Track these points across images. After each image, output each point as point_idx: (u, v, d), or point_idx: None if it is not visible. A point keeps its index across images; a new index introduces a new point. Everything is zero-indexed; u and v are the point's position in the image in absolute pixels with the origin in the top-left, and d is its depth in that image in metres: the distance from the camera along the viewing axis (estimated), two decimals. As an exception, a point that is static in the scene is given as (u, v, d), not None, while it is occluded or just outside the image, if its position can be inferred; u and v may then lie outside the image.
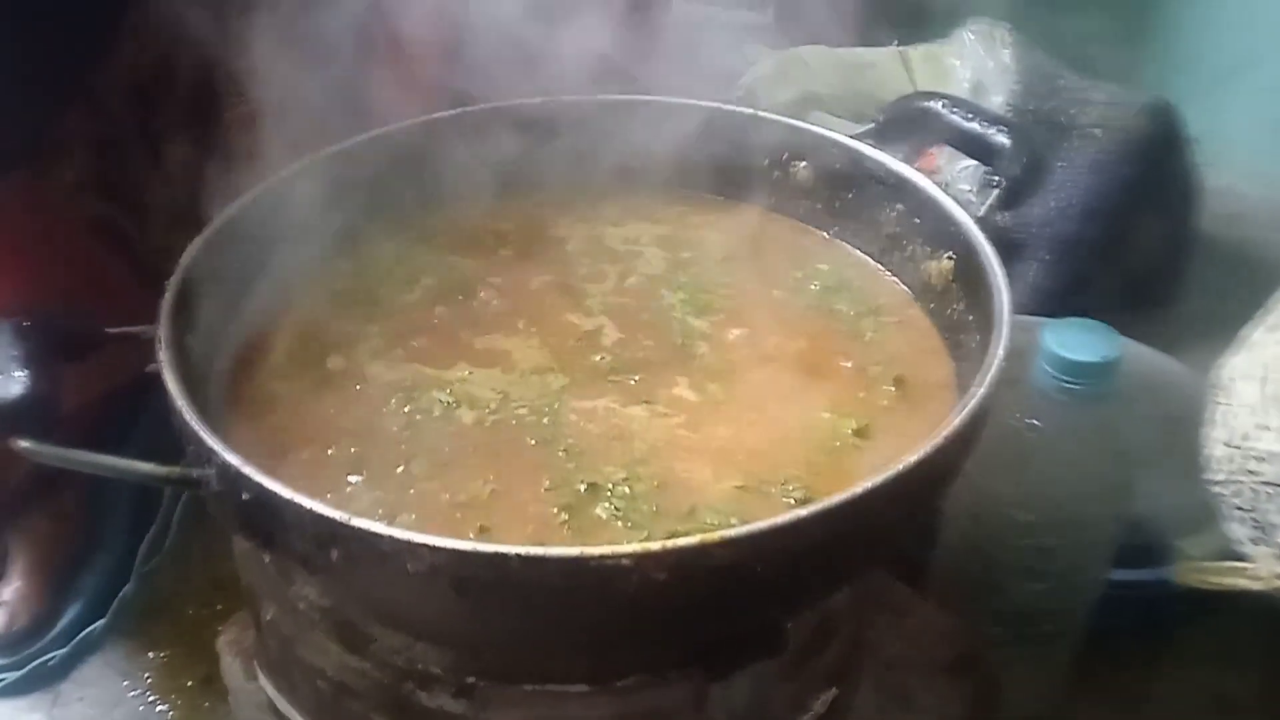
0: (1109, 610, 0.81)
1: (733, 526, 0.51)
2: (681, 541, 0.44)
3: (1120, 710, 0.88)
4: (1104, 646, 0.84)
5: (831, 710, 0.66)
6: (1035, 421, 0.75)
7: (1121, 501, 0.78)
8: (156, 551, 0.93)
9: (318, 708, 0.63)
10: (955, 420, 0.50)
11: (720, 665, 0.54)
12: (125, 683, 0.89)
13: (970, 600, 0.81)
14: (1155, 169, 1.18)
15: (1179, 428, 0.91)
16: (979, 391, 0.52)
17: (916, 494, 0.50)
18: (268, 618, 0.62)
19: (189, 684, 0.88)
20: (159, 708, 0.87)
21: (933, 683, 0.75)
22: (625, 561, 0.43)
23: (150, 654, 0.90)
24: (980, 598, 0.81)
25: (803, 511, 0.45)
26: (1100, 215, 1.14)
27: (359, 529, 0.45)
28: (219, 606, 0.92)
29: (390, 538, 0.44)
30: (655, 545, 0.43)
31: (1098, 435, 0.75)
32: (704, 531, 0.51)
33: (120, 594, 0.90)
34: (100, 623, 0.89)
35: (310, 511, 0.45)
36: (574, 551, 0.43)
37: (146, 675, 0.89)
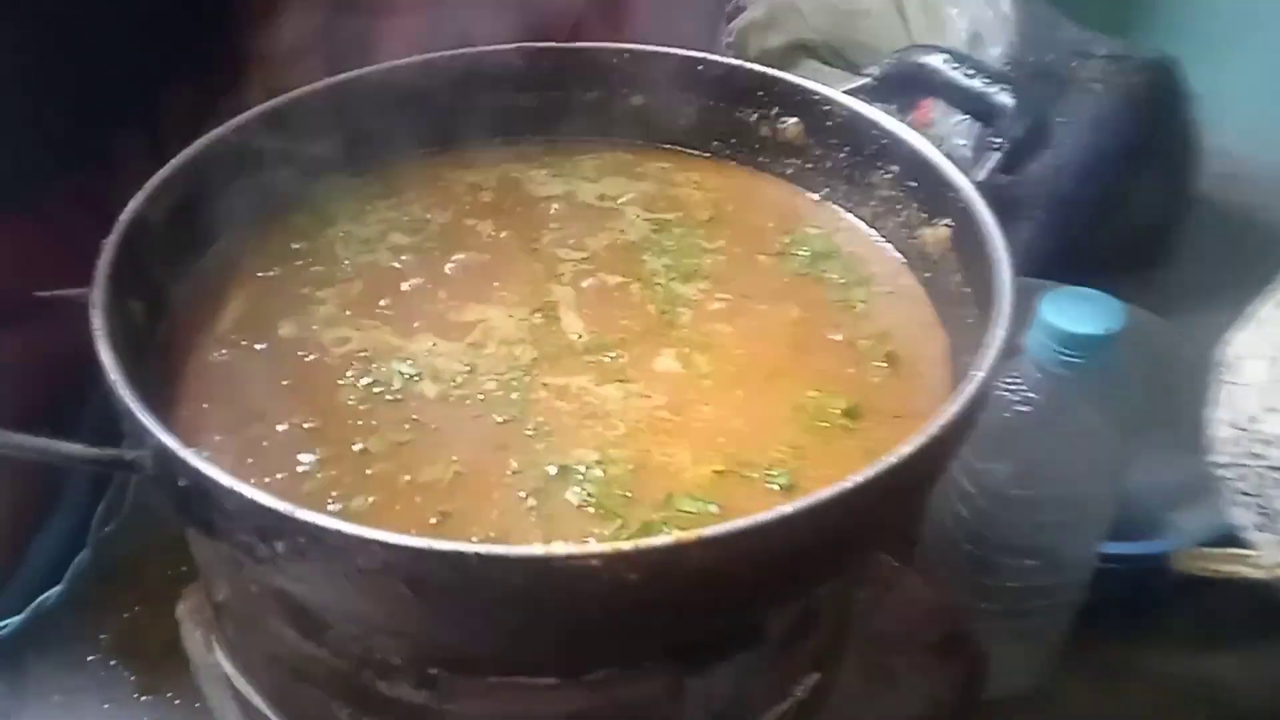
0: (1097, 583, 0.79)
1: (711, 515, 0.49)
2: (655, 541, 0.40)
3: (1104, 687, 0.86)
4: (1090, 621, 0.81)
5: (814, 694, 0.63)
6: (1031, 394, 0.72)
7: (1119, 477, 0.75)
8: (114, 515, 0.89)
9: (275, 691, 0.60)
10: (953, 408, 0.46)
11: (697, 659, 0.51)
12: (85, 646, 0.85)
13: (959, 576, 0.78)
14: (1156, 127, 1.15)
15: (1174, 395, 0.88)
16: (978, 375, 0.48)
17: (910, 485, 0.47)
18: (220, 598, 0.59)
19: (152, 648, 0.85)
20: (122, 672, 0.84)
21: (919, 661, 0.73)
22: (594, 563, 0.40)
23: (111, 617, 0.87)
24: (970, 573, 0.78)
25: (787, 508, 0.41)
26: (1098, 174, 1.11)
27: (304, 522, 0.41)
28: (183, 568, 0.88)
29: (338, 532, 0.40)
30: (627, 546, 0.40)
31: (1096, 410, 0.72)
32: (679, 520, 0.49)
33: (77, 559, 0.86)
34: (56, 589, 0.85)
35: (251, 502, 0.42)
36: (538, 551, 0.40)
37: (108, 639, 0.86)
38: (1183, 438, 0.84)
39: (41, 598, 0.85)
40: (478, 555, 0.40)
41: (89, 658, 0.84)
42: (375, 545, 0.40)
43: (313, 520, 0.41)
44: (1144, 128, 1.13)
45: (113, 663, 0.84)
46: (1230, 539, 0.78)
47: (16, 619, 0.84)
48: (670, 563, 0.41)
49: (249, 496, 0.42)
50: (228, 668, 0.64)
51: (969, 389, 0.47)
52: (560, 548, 0.40)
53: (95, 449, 0.46)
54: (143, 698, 0.82)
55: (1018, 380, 0.71)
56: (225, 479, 0.42)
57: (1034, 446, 0.72)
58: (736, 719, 0.57)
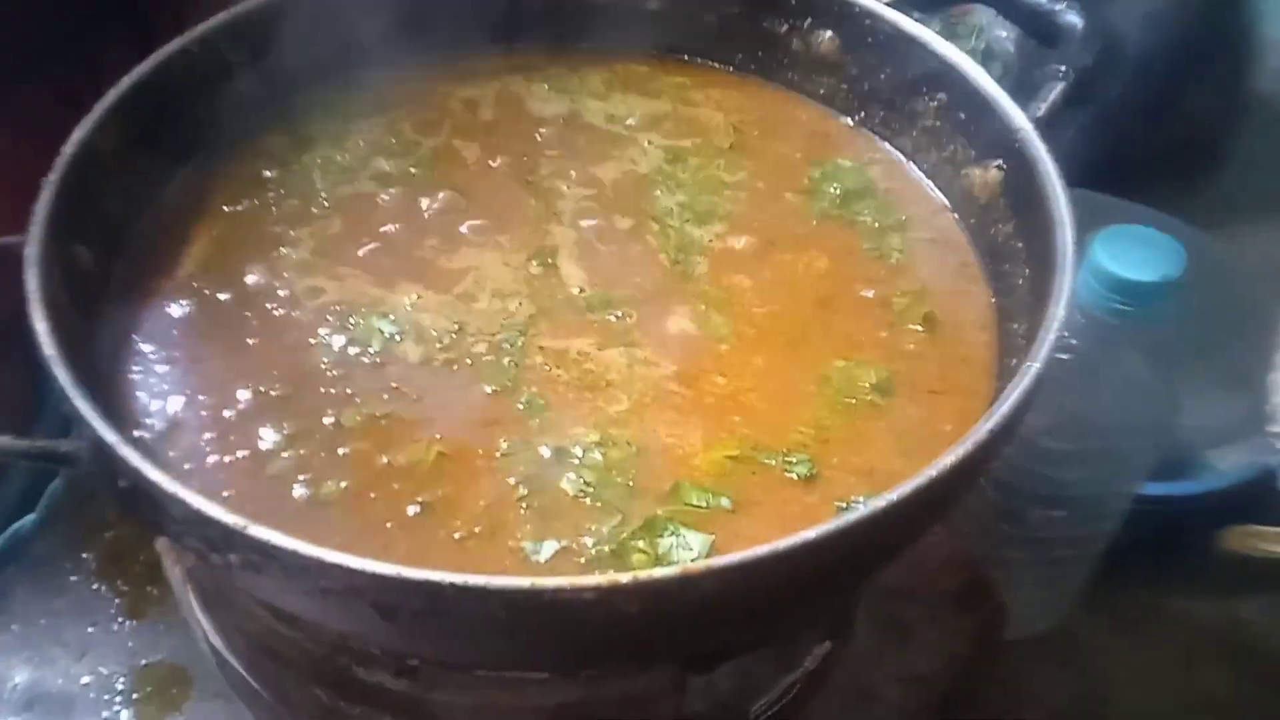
0: (1125, 525, 0.74)
1: (722, 511, 0.44)
2: (657, 573, 0.35)
3: (1128, 630, 0.83)
4: (1115, 563, 0.77)
5: (824, 662, 0.59)
6: (1074, 341, 0.66)
7: (1164, 431, 0.70)
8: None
9: (251, 661, 0.56)
10: (1003, 408, 0.41)
11: (701, 664, 0.47)
12: (68, 568, 0.82)
13: (982, 525, 0.74)
14: (1213, 21, 1.06)
15: (1222, 322, 0.83)
16: (1033, 367, 0.42)
17: (950, 494, 0.41)
18: (190, 566, 0.55)
19: (135, 569, 0.82)
20: (106, 595, 0.81)
21: (934, 613, 0.69)
22: (588, 595, 0.35)
23: (93, 537, 0.83)
24: (995, 522, 0.74)
25: (811, 534, 0.36)
26: (1150, 78, 1.02)
27: (258, 540, 0.36)
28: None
29: (295, 553, 0.35)
30: (625, 577, 0.35)
31: (1146, 360, 0.66)
32: (685, 516, 0.44)
33: (50, 486, 0.82)
34: (32, 516, 0.81)
35: (198, 512, 0.36)
36: (523, 584, 0.35)
37: (90, 561, 0.83)
38: (1226, 368, 0.79)
39: (16, 525, 0.81)
40: (453, 586, 0.35)
41: (72, 578, 0.81)
42: (338, 570, 0.35)
43: (267, 539, 0.35)
44: (1200, 21, 1.04)
45: (95, 586, 0.81)
46: (1267, 481, 0.73)
47: (-8, 547, 0.81)
48: (675, 595, 0.36)
49: (195, 506, 0.36)
50: (205, 625, 0.60)
51: (1022, 384, 0.41)
52: (549, 581, 0.35)
53: (25, 440, 0.41)
54: (128, 622, 0.79)
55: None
56: (169, 484, 0.37)
57: (1073, 398, 0.66)
58: (741, 702, 0.53)
